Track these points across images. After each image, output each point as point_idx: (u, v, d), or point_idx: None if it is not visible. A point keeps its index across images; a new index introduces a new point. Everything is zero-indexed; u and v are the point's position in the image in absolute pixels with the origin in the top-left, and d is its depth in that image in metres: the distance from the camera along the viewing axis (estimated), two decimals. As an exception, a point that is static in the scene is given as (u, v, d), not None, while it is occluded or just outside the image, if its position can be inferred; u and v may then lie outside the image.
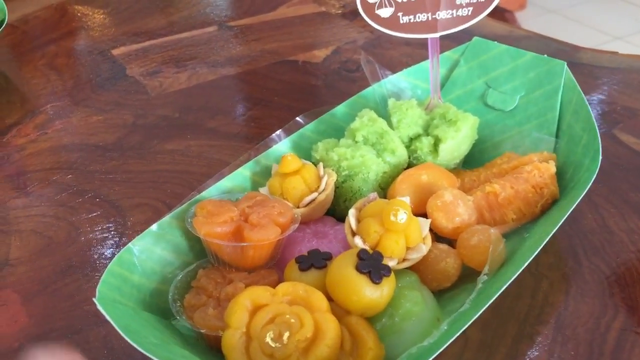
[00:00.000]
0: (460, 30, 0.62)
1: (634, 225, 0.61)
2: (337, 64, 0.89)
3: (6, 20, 0.90)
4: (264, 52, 0.92)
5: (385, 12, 0.60)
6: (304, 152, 0.63)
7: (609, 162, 0.68)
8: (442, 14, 0.61)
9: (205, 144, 0.75)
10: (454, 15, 0.61)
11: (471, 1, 0.60)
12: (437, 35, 0.62)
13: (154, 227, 0.52)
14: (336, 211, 0.60)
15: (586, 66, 0.88)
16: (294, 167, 0.56)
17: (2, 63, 0.95)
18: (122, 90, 0.87)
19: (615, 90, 0.82)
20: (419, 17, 0.61)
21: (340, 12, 1.01)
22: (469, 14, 0.61)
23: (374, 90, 0.69)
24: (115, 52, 0.97)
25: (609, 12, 2.42)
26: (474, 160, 0.66)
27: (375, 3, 0.60)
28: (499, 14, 2.19)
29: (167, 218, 0.53)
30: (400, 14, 0.60)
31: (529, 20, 2.31)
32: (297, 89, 0.83)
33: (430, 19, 0.61)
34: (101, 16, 1.07)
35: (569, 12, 2.42)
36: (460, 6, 0.60)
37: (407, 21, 0.61)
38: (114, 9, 1.10)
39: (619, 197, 0.65)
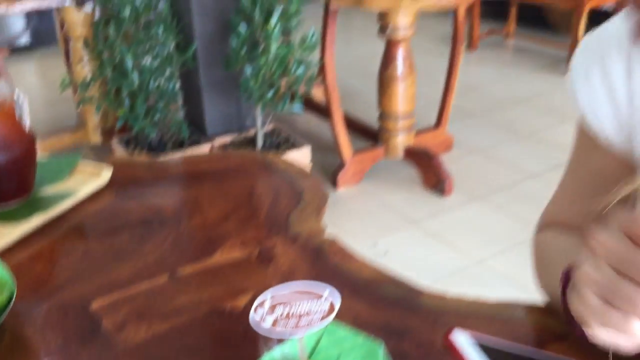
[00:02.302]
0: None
1: None
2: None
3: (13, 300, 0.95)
4: (201, 301, 1.09)
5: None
6: None
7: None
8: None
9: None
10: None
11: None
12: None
13: None
14: None
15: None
16: None
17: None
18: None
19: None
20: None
21: (258, 258, 1.18)
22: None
23: None
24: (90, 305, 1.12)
25: (526, 152, 2.71)
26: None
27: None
28: (425, 156, 2.45)
29: None
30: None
31: (454, 161, 2.58)
32: (224, 339, 1.00)
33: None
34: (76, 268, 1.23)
35: (490, 152, 2.70)
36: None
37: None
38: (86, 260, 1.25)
39: None
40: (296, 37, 2.14)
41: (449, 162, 2.53)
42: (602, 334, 0.40)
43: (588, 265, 0.39)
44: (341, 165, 2.46)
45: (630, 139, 0.55)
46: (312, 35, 2.07)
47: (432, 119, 2.73)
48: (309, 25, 2.18)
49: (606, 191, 0.51)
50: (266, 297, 0.51)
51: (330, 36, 2.37)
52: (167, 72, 2.15)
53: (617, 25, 0.55)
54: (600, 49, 0.56)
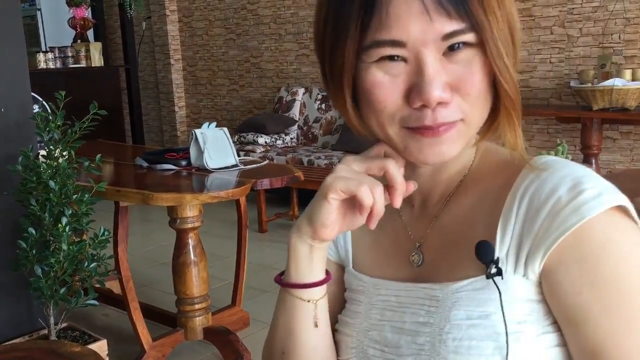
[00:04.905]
0: None
1: None
2: None
3: None
4: None
5: None
6: None
7: None
8: None
9: None
10: None
11: None
12: None
13: None
14: None
15: None
16: None
17: None
18: None
19: None
20: None
21: None
22: None
23: None
24: None
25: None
26: None
27: None
28: (223, 334, 2.59)
29: None
30: None
31: (251, 336, 2.75)
32: None
33: None
34: None
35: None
36: None
37: None
38: None
39: None
40: (90, 233, 2.27)
41: (247, 336, 2.70)
42: (364, 193, 0.66)
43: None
44: (141, 354, 2.49)
45: (337, 248, 0.84)
46: (103, 233, 2.21)
47: (229, 299, 2.92)
48: (104, 219, 2.33)
49: (333, 288, 0.80)
50: None
51: (122, 231, 2.53)
52: (-51, 281, 2.11)
53: None
54: None
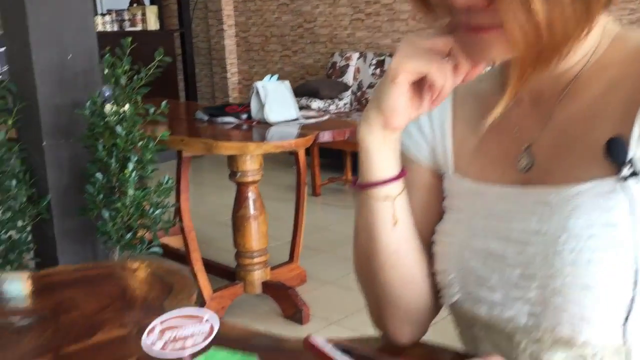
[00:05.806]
0: None
1: None
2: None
3: None
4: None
5: None
6: None
7: None
8: None
9: None
10: None
11: None
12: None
13: None
14: None
15: None
16: None
17: None
18: None
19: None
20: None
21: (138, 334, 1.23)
22: None
23: None
24: None
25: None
26: None
27: None
28: (282, 289, 2.58)
29: None
30: None
31: (308, 292, 2.74)
32: None
33: None
34: None
35: (341, 282, 2.90)
36: None
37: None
38: None
39: None
40: (152, 184, 2.28)
41: (304, 293, 2.69)
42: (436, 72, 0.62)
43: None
44: (202, 305, 2.51)
45: (434, 153, 0.77)
46: (167, 180, 2.21)
47: (286, 258, 2.91)
48: (164, 174, 2.34)
49: (427, 197, 0.76)
50: (156, 324, 0.60)
51: (184, 181, 2.54)
52: (19, 224, 2.15)
53: None
54: None
